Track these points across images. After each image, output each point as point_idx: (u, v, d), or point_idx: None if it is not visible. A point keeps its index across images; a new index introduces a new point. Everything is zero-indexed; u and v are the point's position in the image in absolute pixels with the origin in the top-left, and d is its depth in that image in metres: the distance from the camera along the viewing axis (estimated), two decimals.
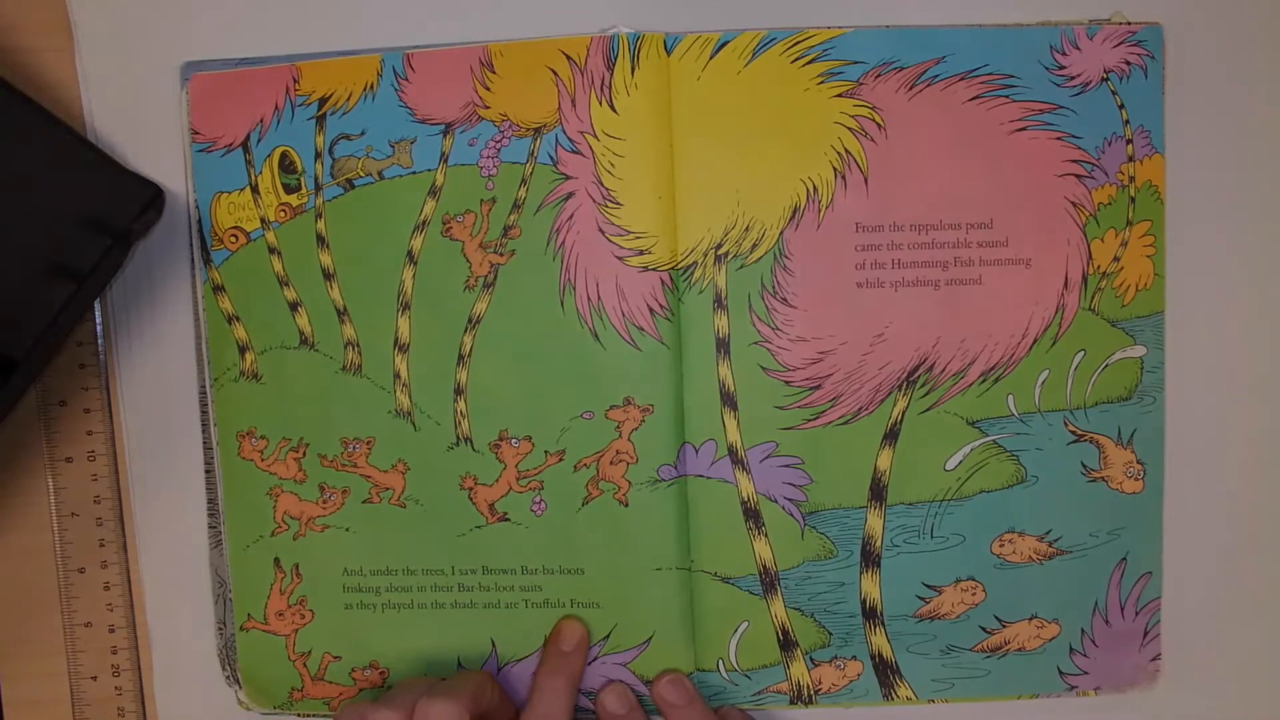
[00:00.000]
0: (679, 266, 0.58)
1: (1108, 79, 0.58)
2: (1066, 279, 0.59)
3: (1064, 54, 0.58)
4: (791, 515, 0.59)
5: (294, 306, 0.60)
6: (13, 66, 0.60)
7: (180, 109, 0.59)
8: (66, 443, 0.62)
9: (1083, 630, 0.61)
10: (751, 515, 0.59)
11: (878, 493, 0.59)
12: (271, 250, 0.60)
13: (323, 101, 0.59)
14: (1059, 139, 0.58)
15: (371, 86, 0.58)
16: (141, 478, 0.62)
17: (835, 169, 0.58)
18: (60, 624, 0.63)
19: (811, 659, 0.61)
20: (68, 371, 0.62)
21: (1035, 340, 0.59)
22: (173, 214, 0.60)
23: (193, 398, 0.62)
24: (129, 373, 0.62)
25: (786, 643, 0.61)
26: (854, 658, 0.61)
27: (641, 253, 0.58)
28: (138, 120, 0.60)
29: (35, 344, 0.55)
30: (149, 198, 0.57)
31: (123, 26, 0.60)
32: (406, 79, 0.58)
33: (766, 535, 0.60)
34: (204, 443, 0.62)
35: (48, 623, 0.63)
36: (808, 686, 0.61)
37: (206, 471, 0.62)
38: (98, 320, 0.61)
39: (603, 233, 0.58)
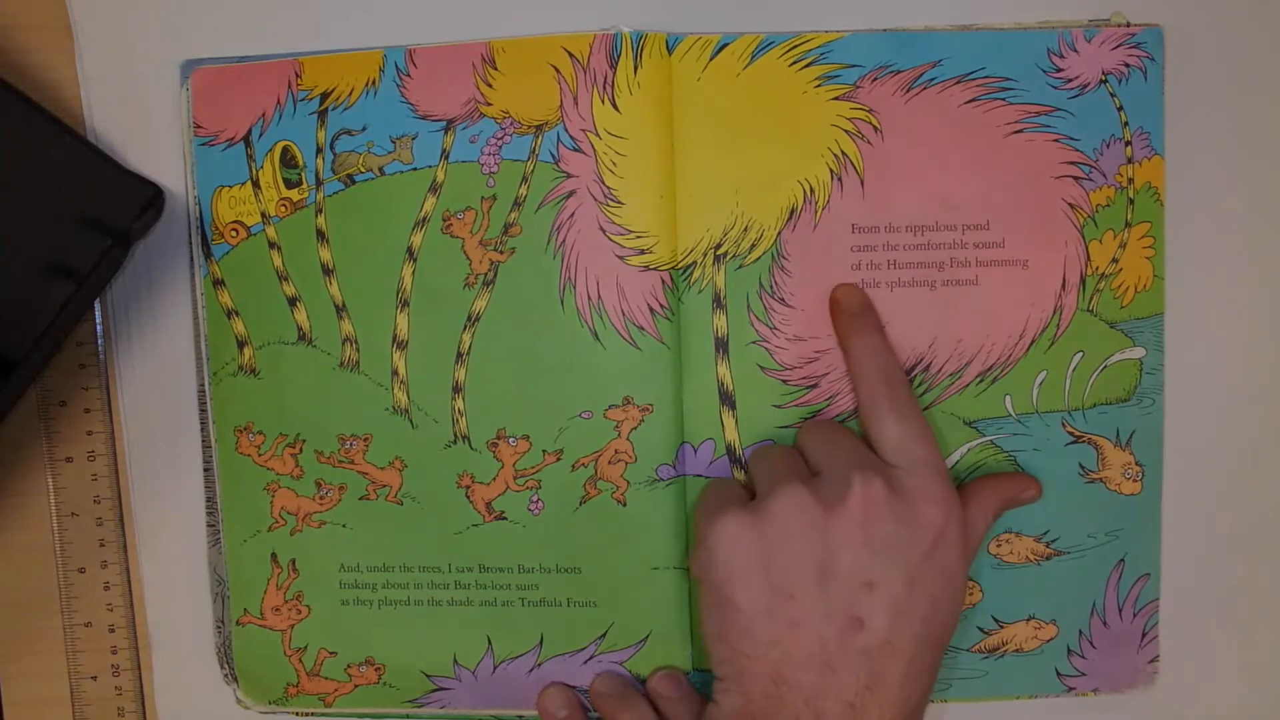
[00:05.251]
0: (679, 266, 0.58)
1: (1106, 81, 0.58)
2: (1064, 280, 0.59)
3: (1061, 57, 0.58)
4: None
5: (293, 302, 0.60)
6: (13, 66, 0.60)
7: (181, 107, 0.60)
8: (66, 443, 0.62)
9: (1080, 631, 0.61)
10: None
11: None
12: (271, 245, 0.60)
13: (324, 96, 0.59)
14: (1056, 141, 0.58)
15: (373, 82, 0.59)
16: (141, 478, 0.62)
17: (832, 171, 0.58)
18: (60, 624, 0.63)
19: None
20: (68, 371, 0.62)
21: (1033, 341, 0.59)
22: (172, 214, 0.60)
23: (193, 397, 0.62)
24: (129, 372, 0.62)
25: None
26: None
27: (642, 252, 0.58)
28: (138, 120, 0.60)
29: (35, 344, 0.56)
30: (149, 198, 0.57)
31: (123, 26, 0.60)
32: (409, 75, 0.58)
33: None
34: (204, 441, 0.62)
35: (48, 623, 0.63)
36: None
37: (206, 470, 0.62)
38: (98, 320, 0.62)
39: (604, 232, 0.58)
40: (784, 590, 0.52)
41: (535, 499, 0.60)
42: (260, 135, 0.59)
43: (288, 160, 0.59)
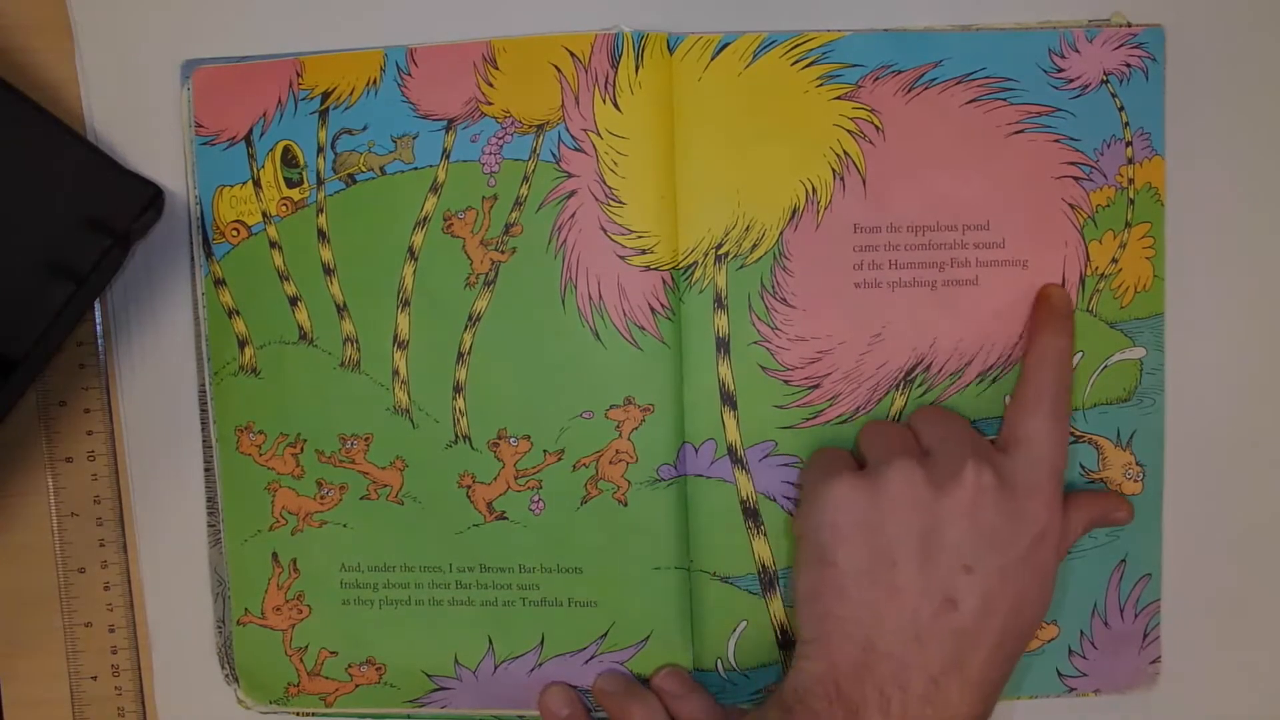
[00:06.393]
0: (680, 266, 0.58)
1: (1107, 81, 0.58)
2: (1064, 280, 0.59)
3: (1063, 57, 0.58)
4: (791, 514, 0.60)
5: (294, 301, 0.60)
6: (13, 66, 0.60)
7: (181, 107, 0.60)
8: (66, 443, 0.62)
9: (1082, 632, 0.61)
10: (751, 514, 0.60)
11: None
12: (272, 244, 0.60)
13: (325, 96, 0.59)
14: (1057, 141, 0.58)
15: (374, 81, 0.59)
16: (141, 478, 0.62)
17: (834, 170, 0.58)
18: (60, 624, 0.63)
19: None
20: (68, 371, 0.62)
21: None
22: (173, 214, 0.60)
23: (193, 397, 0.62)
24: (129, 372, 0.62)
25: (785, 642, 0.61)
26: None
27: (644, 252, 0.58)
28: (138, 120, 0.60)
29: (35, 344, 0.56)
30: (149, 198, 0.57)
31: (123, 25, 0.60)
32: (409, 74, 0.58)
33: (766, 534, 0.60)
34: (204, 441, 0.62)
35: (48, 623, 0.63)
36: None
37: (206, 470, 0.62)
38: (98, 320, 0.62)
39: (605, 231, 0.58)
40: (887, 556, 0.52)
41: (536, 499, 0.60)
42: (261, 135, 0.59)
43: (289, 160, 0.59)
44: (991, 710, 0.53)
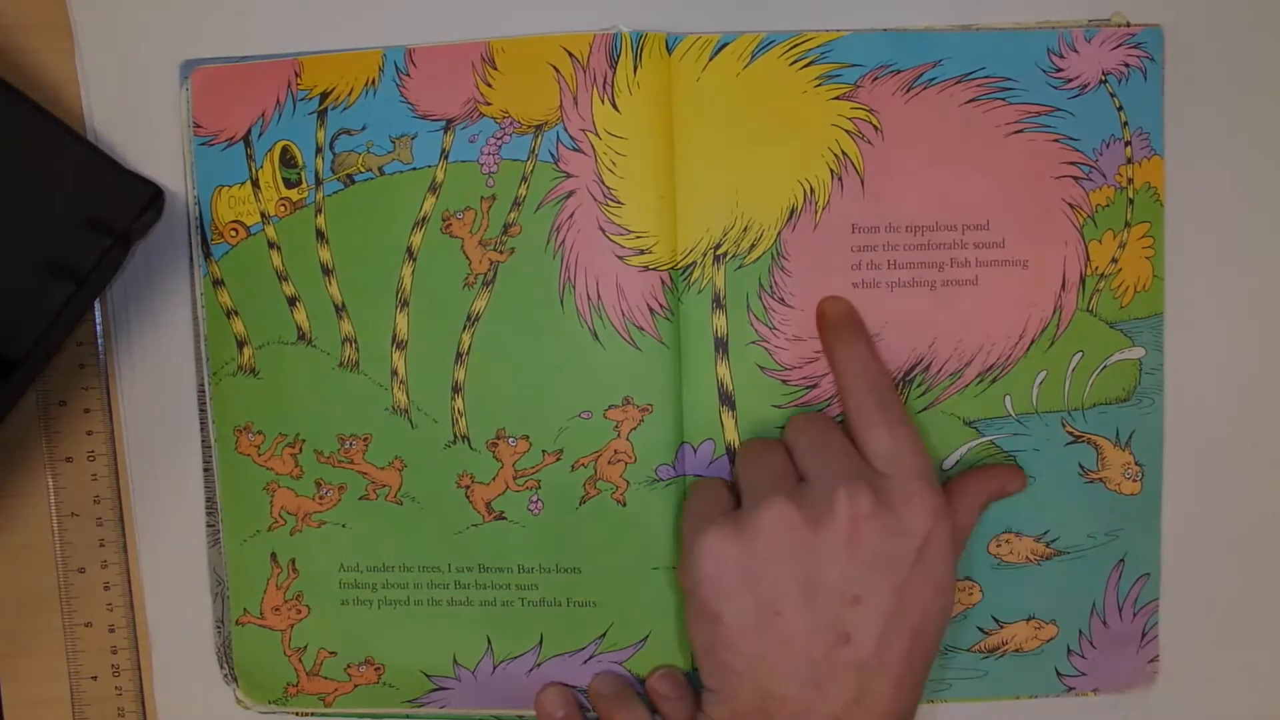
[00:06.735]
0: (679, 266, 0.58)
1: (1106, 81, 0.58)
2: (1064, 280, 0.59)
3: (1061, 57, 0.58)
4: None
5: (292, 302, 0.60)
6: (13, 66, 0.60)
7: (180, 107, 0.60)
8: (66, 443, 0.62)
9: (1080, 631, 0.61)
10: None
11: None
12: (271, 245, 0.60)
13: (324, 96, 0.59)
14: (1056, 141, 0.58)
15: (373, 82, 0.59)
16: (141, 478, 0.62)
17: (832, 170, 0.58)
18: (60, 624, 0.63)
19: None
20: (68, 371, 0.62)
21: (1033, 341, 0.59)
22: (172, 214, 0.60)
23: (193, 397, 0.62)
24: (129, 372, 0.62)
25: None
26: None
27: (642, 252, 0.58)
28: (138, 120, 0.60)
29: (35, 344, 0.56)
30: (149, 198, 0.57)
31: (123, 26, 0.60)
32: (408, 74, 0.58)
33: None
34: (204, 441, 0.62)
35: (48, 623, 0.63)
36: None
37: (205, 470, 0.62)
38: (98, 320, 0.62)
39: (603, 232, 0.58)
40: (771, 607, 0.52)
41: (535, 499, 0.60)
42: (260, 135, 0.59)
43: (287, 160, 0.59)
44: (914, 712, 0.54)
